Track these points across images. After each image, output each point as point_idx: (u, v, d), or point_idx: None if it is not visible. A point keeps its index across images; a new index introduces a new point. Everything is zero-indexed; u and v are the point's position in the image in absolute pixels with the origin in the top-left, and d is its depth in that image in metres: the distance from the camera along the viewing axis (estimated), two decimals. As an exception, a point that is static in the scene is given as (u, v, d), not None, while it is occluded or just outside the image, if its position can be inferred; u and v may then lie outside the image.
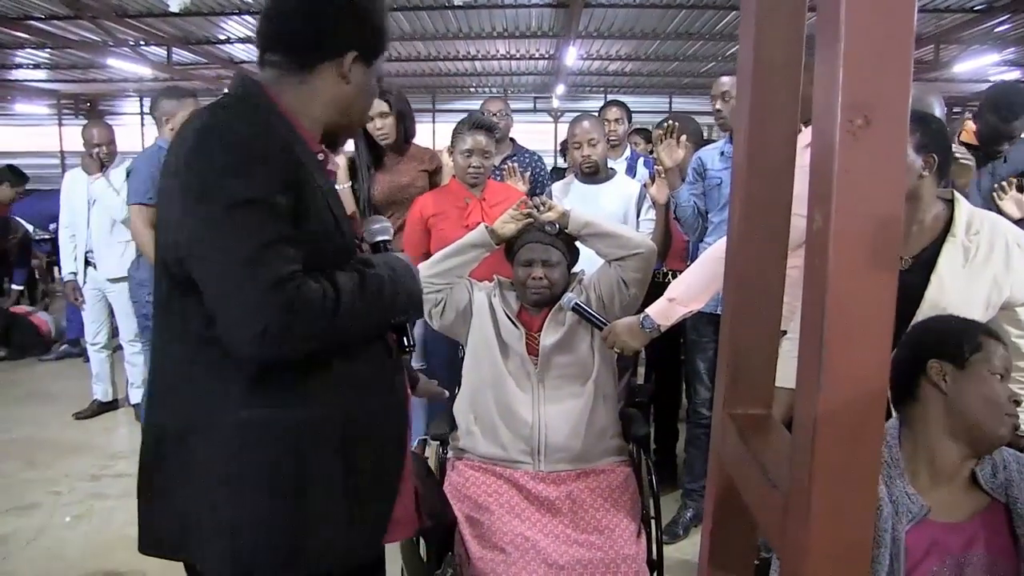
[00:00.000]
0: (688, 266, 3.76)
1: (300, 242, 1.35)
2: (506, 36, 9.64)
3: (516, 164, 3.99)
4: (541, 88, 13.48)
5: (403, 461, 1.57)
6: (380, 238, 1.71)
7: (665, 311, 2.51)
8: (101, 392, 5.21)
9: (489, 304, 2.77)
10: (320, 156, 1.52)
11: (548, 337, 2.67)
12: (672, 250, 3.75)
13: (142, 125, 14.11)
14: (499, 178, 3.90)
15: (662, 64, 11.22)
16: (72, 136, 14.09)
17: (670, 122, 3.54)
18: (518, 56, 10.77)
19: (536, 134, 13.01)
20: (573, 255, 2.84)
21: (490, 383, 2.66)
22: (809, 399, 0.73)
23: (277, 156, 1.36)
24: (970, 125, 3.79)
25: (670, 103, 14.08)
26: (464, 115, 3.43)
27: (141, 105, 14.19)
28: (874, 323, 0.71)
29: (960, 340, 1.65)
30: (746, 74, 1.01)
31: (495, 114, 4.28)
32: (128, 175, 4.39)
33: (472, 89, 13.81)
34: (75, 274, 4.97)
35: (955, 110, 13.57)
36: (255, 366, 1.38)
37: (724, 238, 2.48)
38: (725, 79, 3.55)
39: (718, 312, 3.01)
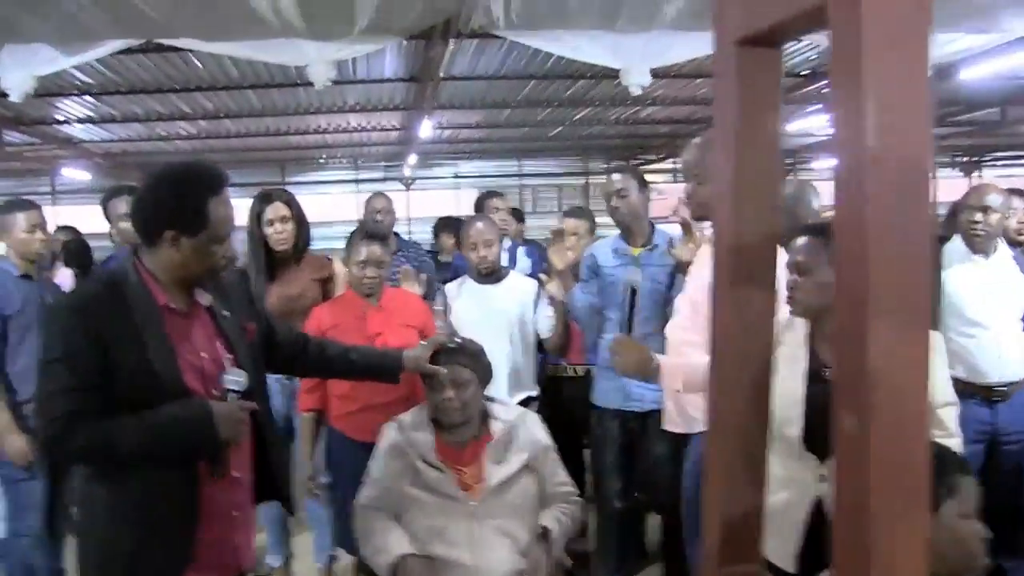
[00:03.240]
0: (587, 360, 3.79)
1: (111, 381, 1.98)
2: (358, 110, 9.57)
3: (410, 267, 3.94)
4: (392, 156, 13.44)
5: (191, 539, 2.09)
6: (229, 387, 2.14)
7: (673, 376, 2.52)
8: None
9: (402, 461, 2.68)
10: (171, 305, 2.12)
11: (495, 474, 2.61)
12: (573, 345, 3.77)
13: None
14: (395, 282, 3.84)
15: (512, 130, 11.39)
16: None
17: (561, 224, 3.58)
18: (369, 128, 10.71)
19: (389, 202, 12.94)
20: (483, 370, 2.80)
21: (423, 538, 2.57)
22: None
23: (90, 325, 1.99)
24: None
25: (519, 166, 14.33)
26: (315, 186, 3.41)
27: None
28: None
29: (933, 484, 1.65)
30: (726, 189, 1.00)
31: (379, 211, 4.23)
32: None
33: (322, 160, 13.67)
34: None
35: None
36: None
37: None
38: (616, 176, 3.59)
39: (624, 408, 3.07)
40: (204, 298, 2.22)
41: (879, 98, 0.68)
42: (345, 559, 3.92)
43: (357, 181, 14.09)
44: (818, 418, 2.21)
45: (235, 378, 2.15)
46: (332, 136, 11.17)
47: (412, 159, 12.69)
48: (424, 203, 13.16)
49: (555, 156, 14.55)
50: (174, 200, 2.08)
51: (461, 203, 13.92)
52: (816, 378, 2.25)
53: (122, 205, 4.02)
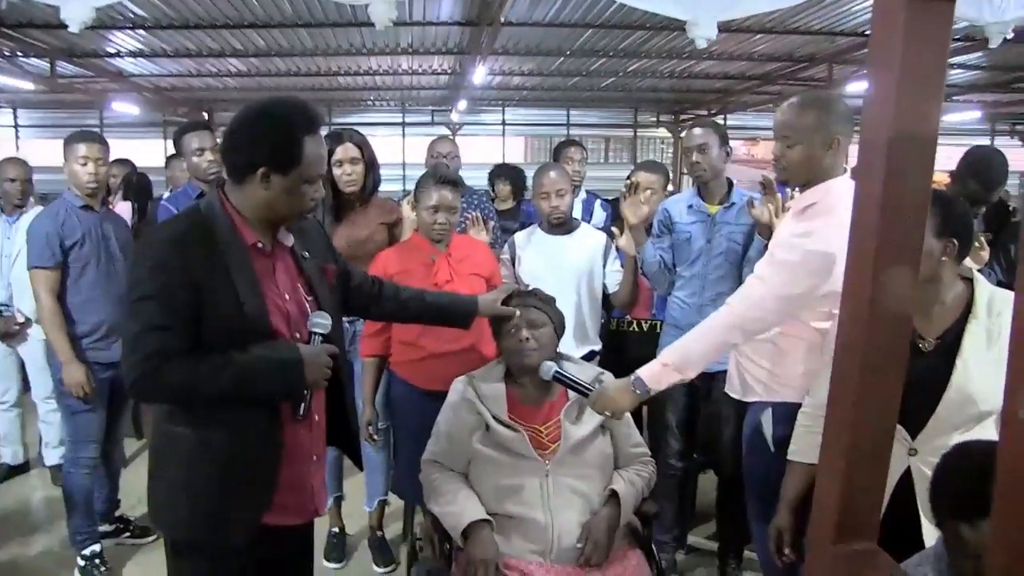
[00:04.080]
0: (653, 315, 3.73)
1: (200, 319, 1.95)
2: (410, 52, 9.47)
3: (478, 213, 3.88)
4: (440, 101, 13.34)
5: (273, 480, 2.09)
6: (315, 330, 2.12)
7: (657, 376, 2.46)
8: (10, 455, 4.83)
9: (473, 417, 2.63)
10: (259, 244, 2.08)
11: (571, 435, 2.57)
12: (640, 299, 3.71)
13: (16, 139, 13.32)
14: (462, 229, 3.79)
15: (562, 79, 11.24)
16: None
17: (634, 178, 3.49)
18: (420, 71, 10.60)
19: (435, 147, 12.83)
20: (556, 315, 2.76)
21: (494, 496, 2.54)
22: None
23: (184, 262, 1.94)
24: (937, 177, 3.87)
25: (567, 116, 14.17)
26: (361, 127, 3.36)
27: (15, 116, 13.46)
28: None
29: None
30: (880, 148, 0.95)
31: (446, 156, 4.16)
32: (28, 236, 3.72)
33: (370, 102, 13.57)
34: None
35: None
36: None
37: (727, 307, 2.44)
38: (698, 131, 3.48)
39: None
40: (287, 239, 2.18)
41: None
42: (395, 504, 3.93)
43: (404, 124, 14.01)
44: (910, 391, 2.14)
45: (322, 321, 2.13)
46: (382, 78, 11.08)
47: (462, 104, 12.56)
48: (469, 149, 13.03)
49: (604, 107, 14.36)
50: (269, 136, 2.02)
51: (507, 150, 13.83)
52: (909, 350, 2.17)
53: (196, 140, 3.97)
